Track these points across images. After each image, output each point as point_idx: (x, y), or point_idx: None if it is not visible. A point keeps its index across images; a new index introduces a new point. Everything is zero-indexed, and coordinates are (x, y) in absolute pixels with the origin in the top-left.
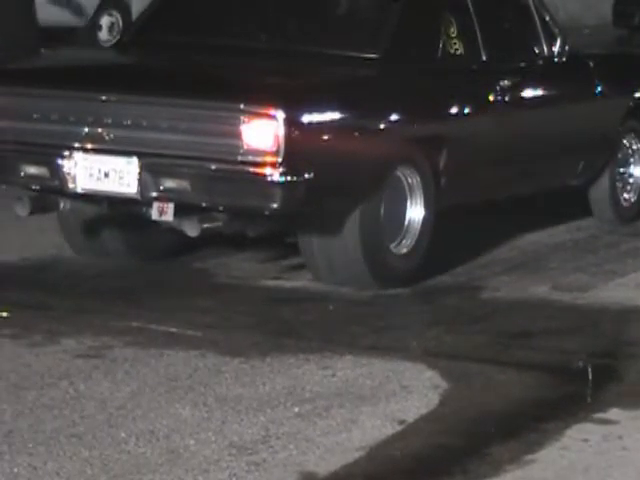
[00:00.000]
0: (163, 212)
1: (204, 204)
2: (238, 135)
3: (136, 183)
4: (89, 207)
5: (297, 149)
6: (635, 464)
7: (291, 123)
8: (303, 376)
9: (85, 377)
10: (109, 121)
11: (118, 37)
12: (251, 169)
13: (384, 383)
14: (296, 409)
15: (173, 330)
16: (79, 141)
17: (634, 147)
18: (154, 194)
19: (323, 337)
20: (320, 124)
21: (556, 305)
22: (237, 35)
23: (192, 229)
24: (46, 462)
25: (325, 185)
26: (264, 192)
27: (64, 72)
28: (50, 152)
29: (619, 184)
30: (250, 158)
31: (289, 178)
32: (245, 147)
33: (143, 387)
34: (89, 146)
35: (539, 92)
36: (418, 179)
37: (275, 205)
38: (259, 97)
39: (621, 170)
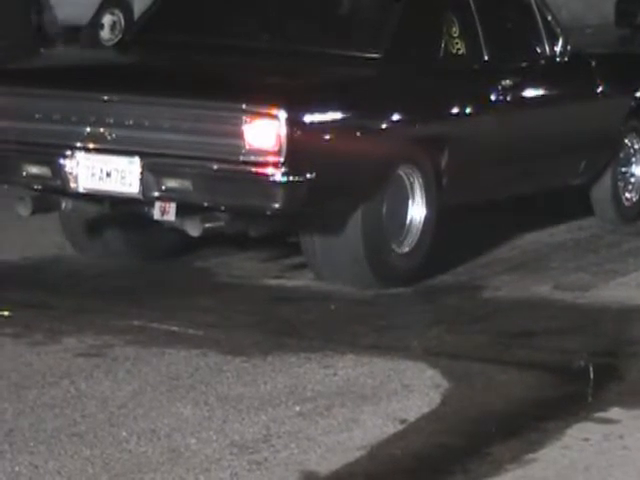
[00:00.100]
0: (165, 212)
1: (206, 204)
2: (240, 135)
3: (138, 183)
4: (91, 207)
5: (299, 149)
6: (636, 463)
7: (293, 123)
8: (304, 375)
9: (86, 376)
10: (111, 121)
11: (120, 36)
12: (253, 169)
13: (385, 382)
14: (297, 408)
15: (174, 329)
16: (81, 141)
17: (636, 146)
18: (156, 194)
19: (324, 336)
20: (322, 124)
21: (557, 304)
22: (239, 35)
23: (194, 229)
24: (47, 461)
25: (327, 185)
26: (266, 192)
27: (66, 72)
28: (52, 152)
29: (621, 184)
30: (252, 158)
31: (291, 178)
32: (247, 147)
33: (144, 386)
34: (91, 146)
35: (541, 92)
36: (420, 179)
37: (277, 205)
38: (261, 97)
39: (623, 170)
